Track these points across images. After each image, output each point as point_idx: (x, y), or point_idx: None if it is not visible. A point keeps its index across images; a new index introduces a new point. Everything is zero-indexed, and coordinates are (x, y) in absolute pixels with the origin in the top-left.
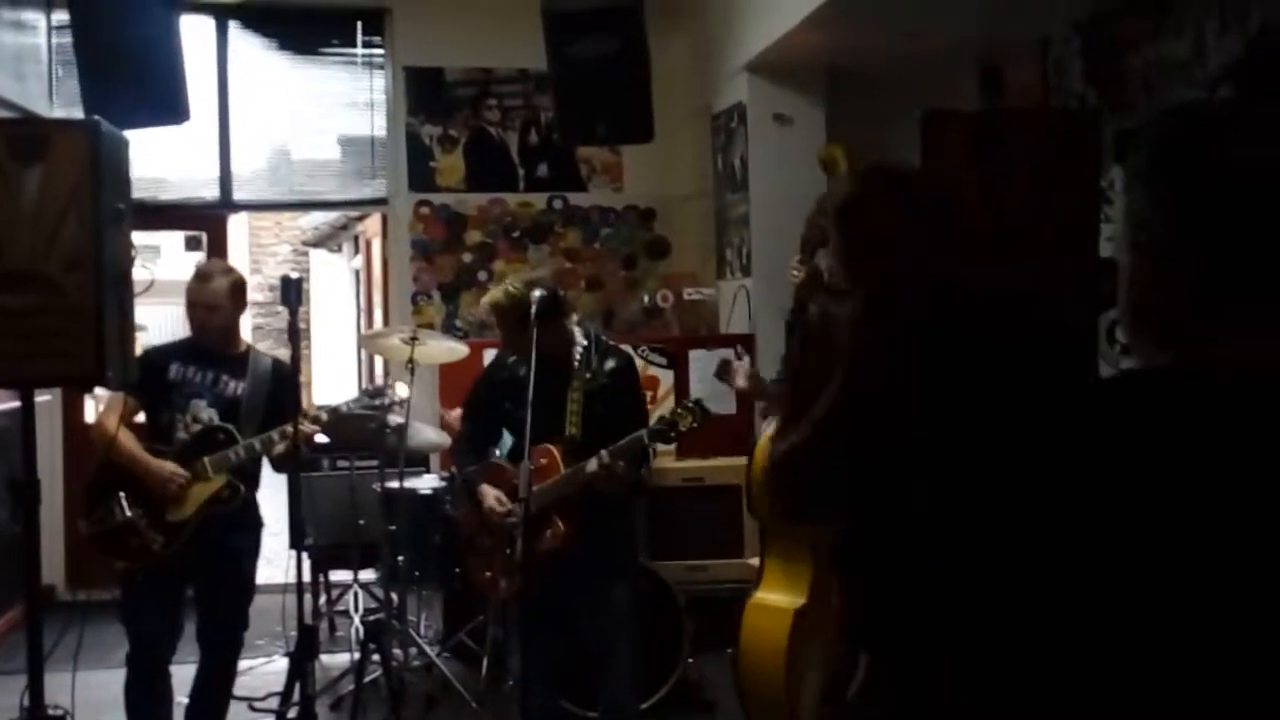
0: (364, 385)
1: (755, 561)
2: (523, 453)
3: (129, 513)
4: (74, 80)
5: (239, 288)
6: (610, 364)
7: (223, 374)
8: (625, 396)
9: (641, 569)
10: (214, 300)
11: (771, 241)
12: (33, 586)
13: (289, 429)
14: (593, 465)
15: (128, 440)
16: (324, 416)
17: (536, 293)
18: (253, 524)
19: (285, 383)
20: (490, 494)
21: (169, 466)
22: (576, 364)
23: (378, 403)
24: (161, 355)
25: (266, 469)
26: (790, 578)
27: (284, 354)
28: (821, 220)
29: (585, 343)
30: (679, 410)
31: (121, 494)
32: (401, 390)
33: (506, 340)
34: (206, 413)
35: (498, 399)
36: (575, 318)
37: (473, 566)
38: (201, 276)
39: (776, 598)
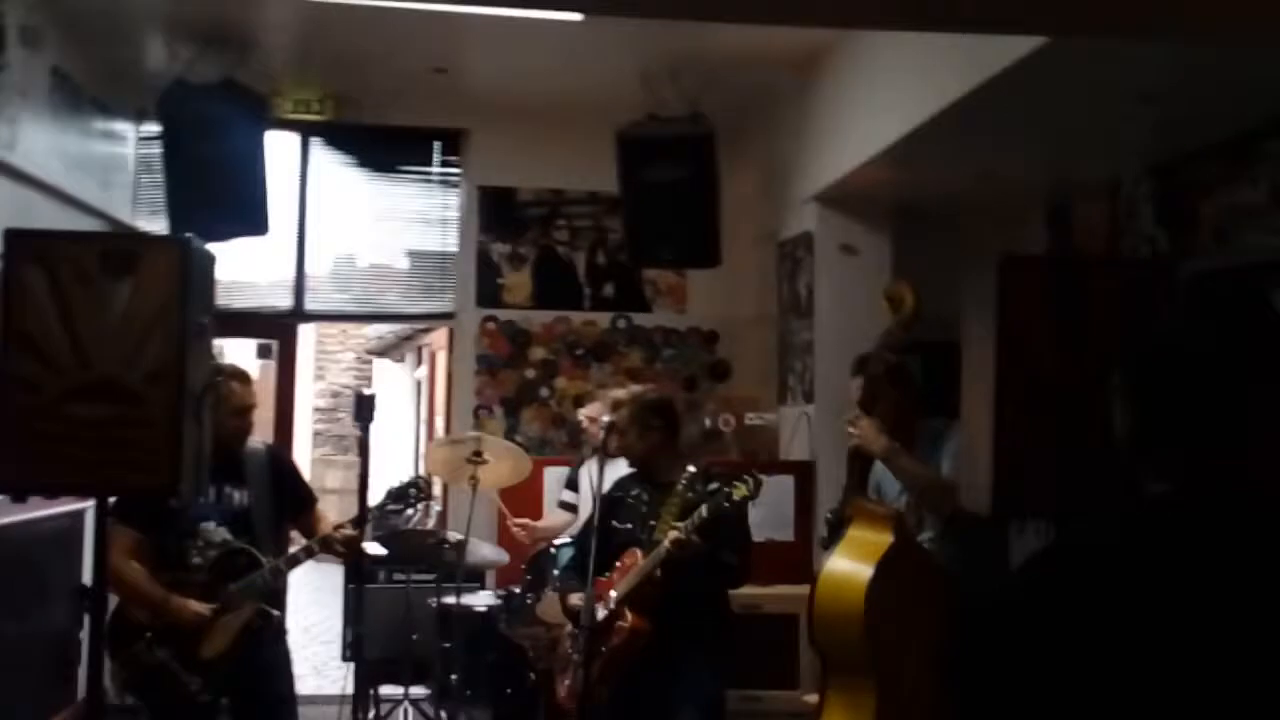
0: (390, 485)
1: (810, 698)
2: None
3: (158, 655)
4: (158, 189)
5: (244, 378)
6: (714, 486)
7: (224, 486)
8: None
9: (720, 697)
10: (254, 400)
11: (835, 369)
12: (94, 691)
13: (314, 544)
14: (666, 542)
15: (142, 578)
16: (350, 531)
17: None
18: (278, 636)
19: (285, 472)
20: (577, 599)
21: (192, 606)
22: (681, 485)
23: (400, 505)
24: None
25: (316, 569)
26: (853, 713)
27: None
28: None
29: (693, 468)
30: (736, 482)
31: (148, 634)
32: (428, 481)
33: (619, 441)
34: (218, 534)
35: (608, 517)
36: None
37: (549, 679)
38: (243, 378)
39: None
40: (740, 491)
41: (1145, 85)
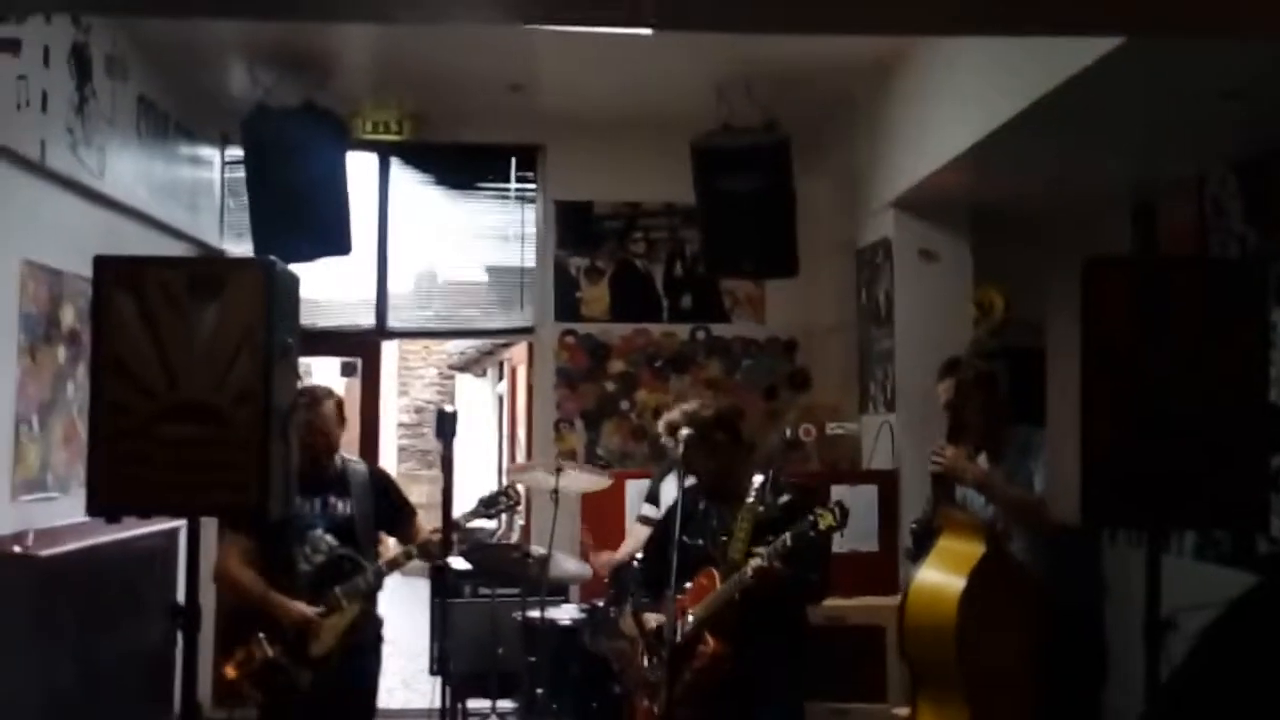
0: (481, 495)
1: (900, 711)
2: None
3: (270, 651)
4: (244, 212)
5: (341, 407)
6: (785, 498)
7: (329, 496)
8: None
9: (800, 711)
10: (326, 426)
11: (916, 377)
12: (189, 710)
13: (412, 549)
14: (749, 570)
15: (253, 581)
16: (439, 536)
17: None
18: (377, 645)
19: (387, 490)
20: (652, 618)
21: (298, 606)
22: (751, 498)
23: (492, 512)
24: None
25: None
26: None
27: (435, 478)
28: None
29: (761, 478)
30: (820, 510)
31: (260, 634)
32: (519, 490)
33: (685, 462)
34: (325, 541)
35: (675, 532)
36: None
37: (631, 696)
38: (312, 402)
39: None
40: (826, 521)
41: (1227, 82)
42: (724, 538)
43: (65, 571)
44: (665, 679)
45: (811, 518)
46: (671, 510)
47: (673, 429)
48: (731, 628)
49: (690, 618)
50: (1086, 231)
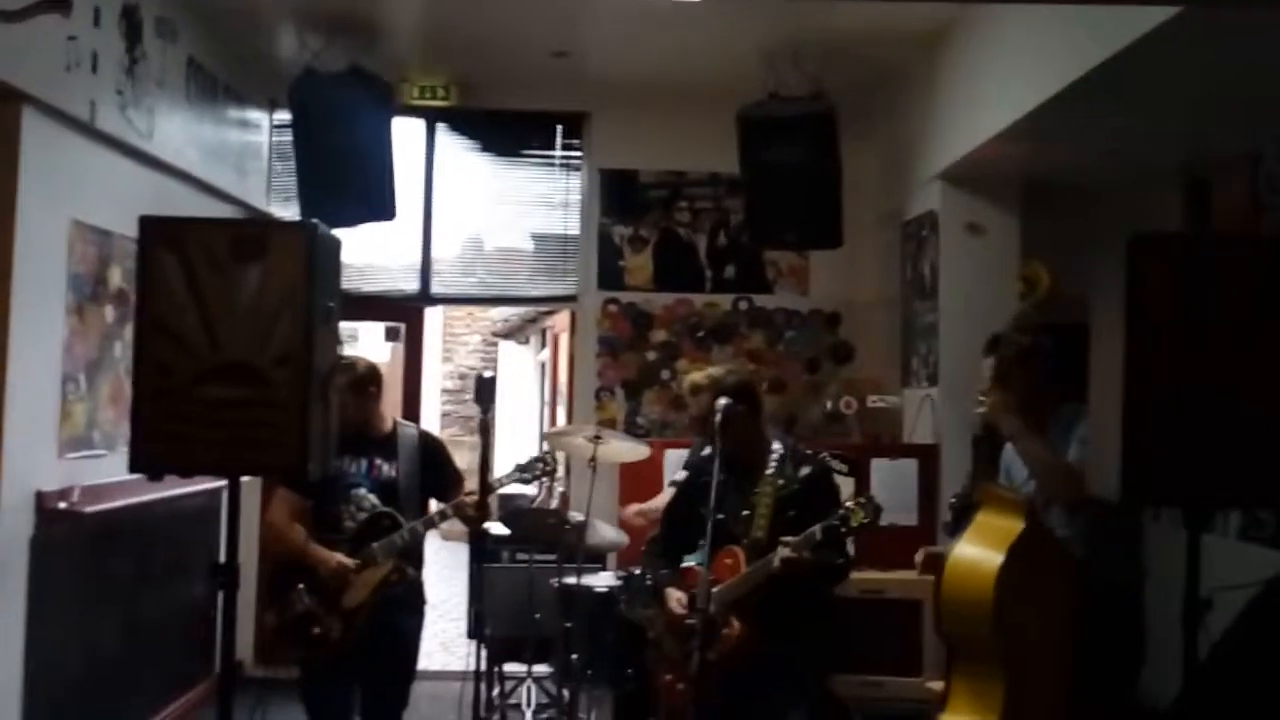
0: (518, 460)
1: (934, 685)
2: (713, 557)
3: (307, 602)
4: (291, 176)
5: (358, 383)
6: (805, 470)
7: (375, 458)
8: (818, 503)
9: (826, 693)
10: (343, 400)
11: (960, 351)
12: (228, 667)
13: (447, 509)
14: (777, 560)
15: (296, 535)
16: (476, 497)
17: (722, 400)
18: (417, 604)
19: (434, 455)
20: (674, 596)
21: (337, 557)
22: (770, 470)
23: (527, 476)
24: None
25: (444, 548)
26: (980, 701)
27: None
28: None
29: (780, 448)
30: (852, 505)
31: (300, 585)
32: (555, 457)
33: (699, 428)
34: (368, 500)
35: (695, 503)
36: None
37: (655, 669)
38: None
39: None
40: (858, 517)
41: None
42: (745, 512)
43: (111, 528)
44: (698, 657)
45: (843, 512)
46: (691, 480)
47: (695, 390)
48: (757, 611)
49: (715, 591)
50: (1138, 207)
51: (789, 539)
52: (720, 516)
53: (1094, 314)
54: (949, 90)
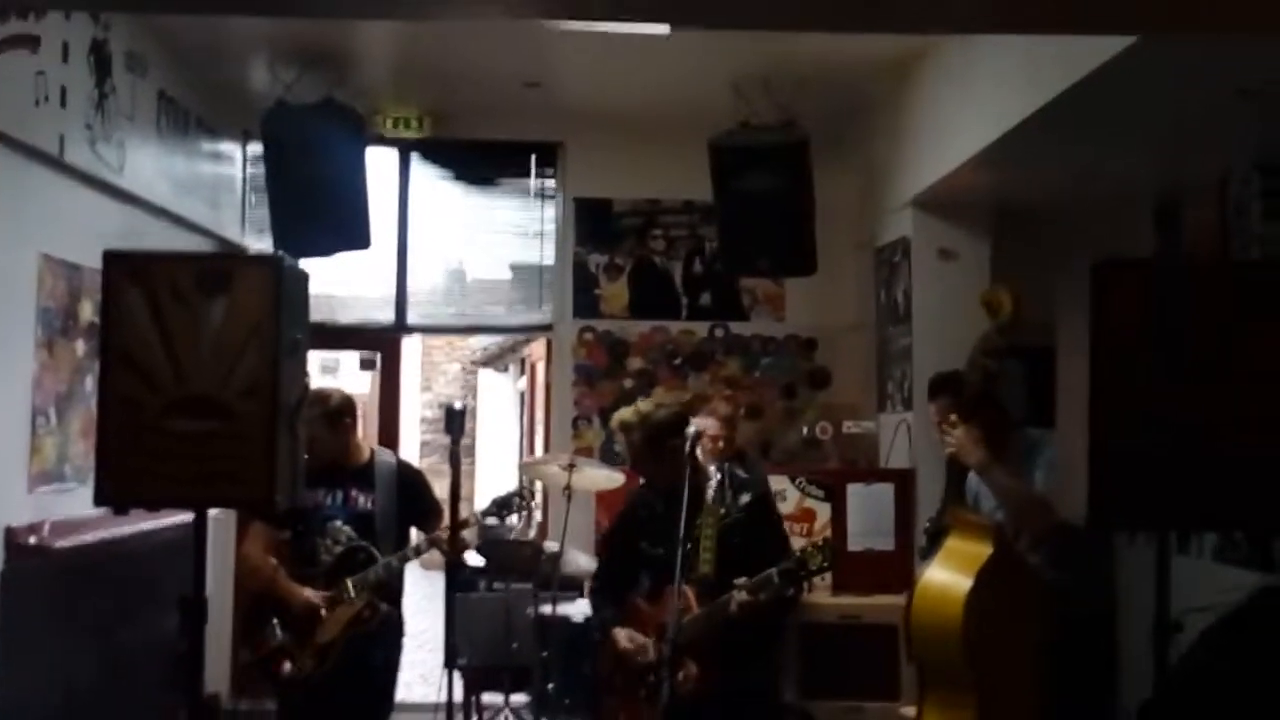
0: (495, 495)
1: (908, 710)
2: (657, 594)
3: (280, 637)
4: (265, 208)
5: (332, 415)
6: (745, 498)
7: (352, 489)
8: (760, 529)
9: (785, 709)
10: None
11: None
12: (195, 699)
13: (422, 543)
14: (733, 605)
15: (267, 568)
16: (444, 535)
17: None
18: (394, 638)
19: (413, 485)
20: (623, 635)
21: (306, 593)
22: (709, 499)
23: (504, 513)
24: None
25: (424, 578)
26: None
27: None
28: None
29: (718, 476)
30: (809, 549)
31: (275, 620)
32: (533, 491)
33: (633, 464)
34: (344, 532)
35: (634, 538)
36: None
37: (608, 707)
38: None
39: None
40: (816, 561)
41: (1243, 80)
42: (688, 545)
43: (82, 562)
44: (667, 688)
45: (800, 556)
46: (625, 515)
47: (626, 428)
48: (713, 650)
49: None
50: (1109, 232)
51: (743, 581)
52: (660, 551)
53: (1060, 337)
54: (919, 118)
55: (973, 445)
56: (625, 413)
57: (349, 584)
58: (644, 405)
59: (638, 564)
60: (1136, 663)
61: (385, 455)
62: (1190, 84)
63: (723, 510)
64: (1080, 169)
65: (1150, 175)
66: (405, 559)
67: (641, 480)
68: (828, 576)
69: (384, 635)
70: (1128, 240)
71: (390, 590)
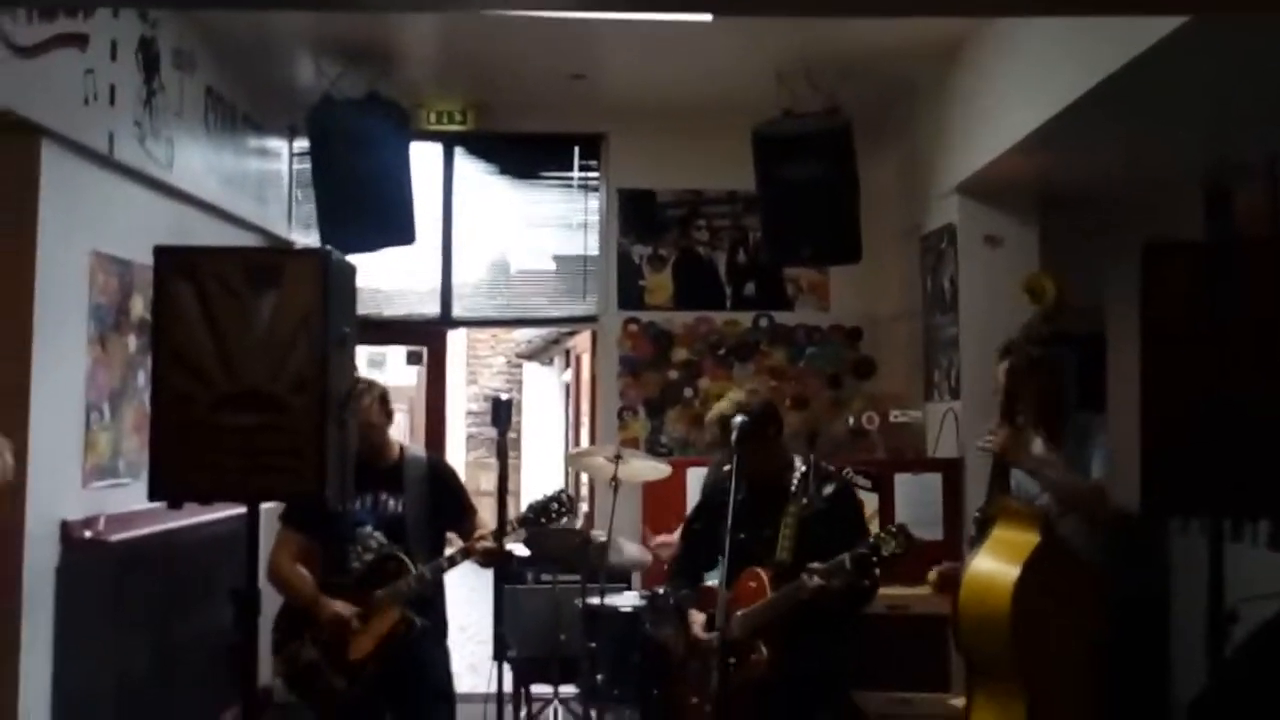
0: (531, 501)
1: (956, 701)
2: (734, 578)
3: (311, 653)
4: (311, 203)
5: (385, 400)
6: (828, 489)
7: (380, 492)
8: (842, 523)
9: (851, 706)
10: (367, 417)
11: (981, 364)
12: (249, 692)
13: (457, 555)
14: (807, 589)
15: (301, 580)
16: (489, 544)
17: (738, 418)
18: (438, 638)
19: (445, 485)
20: (699, 619)
21: (338, 607)
22: (793, 489)
23: (543, 520)
24: None
25: (470, 570)
26: (1002, 717)
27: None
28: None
29: (803, 467)
30: (882, 534)
31: (307, 634)
32: (571, 496)
33: (726, 456)
34: (374, 538)
35: (715, 522)
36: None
37: (679, 692)
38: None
39: None
40: (889, 546)
41: None
42: (768, 532)
43: (137, 556)
44: (717, 676)
45: (874, 541)
46: (708, 498)
47: (725, 422)
48: (784, 635)
49: (739, 615)
50: (1159, 216)
51: (817, 566)
52: (741, 536)
53: (1109, 323)
54: (964, 102)
55: (1016, 445)
56: (723, 405)
57: (381, 596)
58: (737, 395)
59: (718, 547)
60: (1189, 653)
61: (415, 452)
62: (1239, 65)
63: (805, 500)
64: (1129, 152)
65: (1200, 158)
66: (440, 569)
67: (725, 466)
68: None
69: (429, 636)
70: (1178, 223)
71: (425, 601)
